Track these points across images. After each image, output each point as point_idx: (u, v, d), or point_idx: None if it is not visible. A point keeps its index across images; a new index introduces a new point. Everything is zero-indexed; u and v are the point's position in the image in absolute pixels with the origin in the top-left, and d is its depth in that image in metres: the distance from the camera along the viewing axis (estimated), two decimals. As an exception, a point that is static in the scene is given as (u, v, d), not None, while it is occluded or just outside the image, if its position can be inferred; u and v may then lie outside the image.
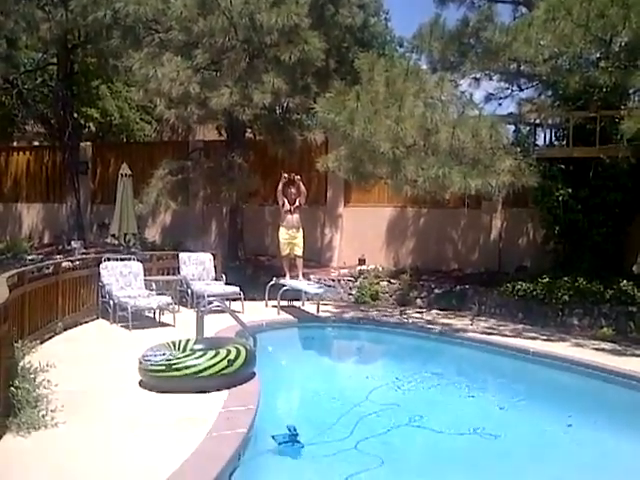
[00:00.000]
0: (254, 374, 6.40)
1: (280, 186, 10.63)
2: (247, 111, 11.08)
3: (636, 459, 5.63)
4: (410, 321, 10.48)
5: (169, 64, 10.94)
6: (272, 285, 10.81)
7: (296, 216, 10.79)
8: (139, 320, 9.08)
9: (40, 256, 14.21)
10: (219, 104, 10.76)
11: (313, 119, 13.63)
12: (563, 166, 11.33)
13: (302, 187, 10.70)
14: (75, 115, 16.29)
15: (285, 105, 12.00)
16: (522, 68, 11.75)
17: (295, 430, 5.24)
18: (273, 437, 5.27)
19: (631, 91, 10.65)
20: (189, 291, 10.60)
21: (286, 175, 10.74)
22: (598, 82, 10.05)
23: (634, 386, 7.12)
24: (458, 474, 5.12)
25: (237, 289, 10.30)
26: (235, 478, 4.40)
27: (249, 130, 13.98)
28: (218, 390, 5.93)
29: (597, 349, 8.69)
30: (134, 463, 4.37)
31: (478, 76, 12.16)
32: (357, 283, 12.43)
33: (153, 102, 12.36)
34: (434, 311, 11.41)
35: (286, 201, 10.70)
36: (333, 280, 12.71)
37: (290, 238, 10.79)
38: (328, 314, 10.71)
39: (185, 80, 10.80)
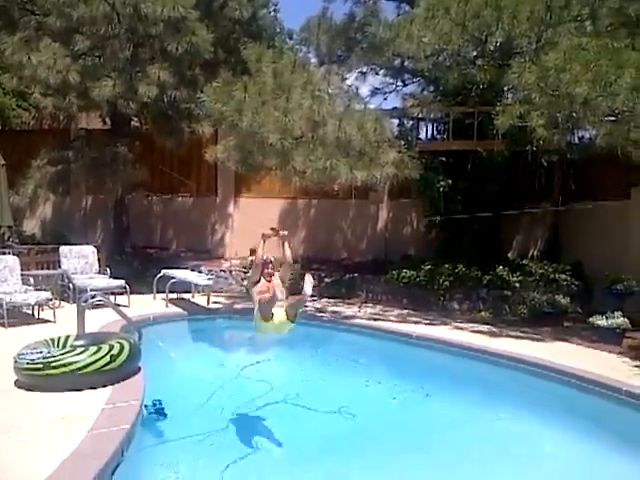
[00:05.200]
0: (139, 369, 6.26)
1: (260, 250, 6.04)
2: (132, 104, 10.75)
3: (493, 426, 6.14)
4: (301, 310, 10.60)
5: (46, 50, 10.37)
6: (160, 278, 10.59)
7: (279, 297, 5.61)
8: (16, 317, 8.60)
9: None
10: (101, 95, 10.35)
11: (202, 110, 13.46)
12: (444, 159, 11.89)
13: (288, 250, 6.14)
14: (-58, 100, 15.06)
15: (172, 96, 11.75)
16: (406, 64, 12.16)
17: (161, 404, 5.71)
18: (146, 406, 5.55)
19: (505, 88, 11.30)
20: (71, 286, 10.16)
21: (269, 232, 6.22)
22: (475, 79, 10.62)
23: (502, 363, 7.69)
24: (309, 448, 5.45)
25: (122, 282, 9.98)
26: (118, 475, 4.31)
27: (135, 119, 13.55)
28: (102, 386, 5.76)
29: (475, 331, 9.23)
30: (6, 469, 4.15)
31: (364, 70, 12.45)
32: (249, 274, 12.37)
33: (29, 89, 11.69)
34: (324, 299, 11.63)
35: (262, 280, 6.02)
36: (224, 271, 12.58)
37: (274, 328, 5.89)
38: (219, 305, 10.64)
39: (63, 68, 10.29)
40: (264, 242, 6.06)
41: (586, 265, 10.91)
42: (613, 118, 7.64)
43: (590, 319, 8.92)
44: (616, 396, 6.44)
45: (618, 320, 8.66)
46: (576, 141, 10.82)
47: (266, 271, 5.97)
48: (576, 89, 7.11)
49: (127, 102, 10.60)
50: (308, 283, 5.44)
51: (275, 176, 10.94)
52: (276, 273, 6.02)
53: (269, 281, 5.91)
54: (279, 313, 5.60)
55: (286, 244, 6.10)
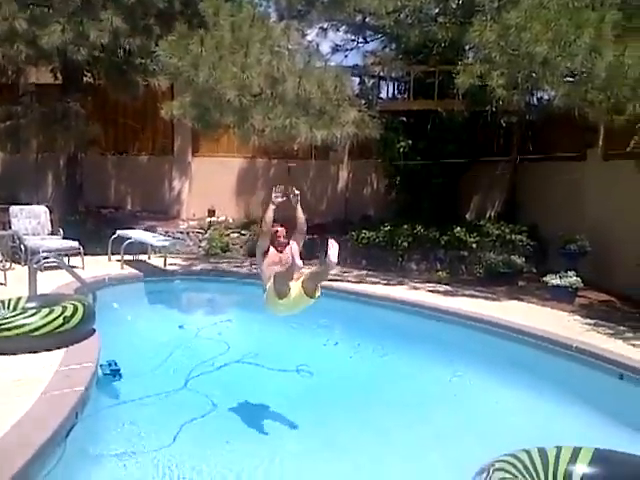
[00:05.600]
0: (94, 331, 6.15)
1: (270, 214, 5.04)
2: (82, 51, 10.30)
3: (450, 384, 6.26)
4: (259, 271, 10.56)
5: (-10, -5, 9.85)
6: (115, 238, 10.36)
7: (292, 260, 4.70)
8: (-36, 279, 8.33)
9: None
10: (50, 42, 9.89)
11: (158, 64, 13.05)
12: (404, 119, 11.82)
13: (301, 213, 5.21)
14: None
15: (127, 48, 11.30)
16: (367, 20, 11.95)
17: (116, 364, 5.67)
18: (101, 366, 5.53)
19: (466, 47, 11.22)
20: (22, 247, 9.84)
21: (278, 193, 5.12)
22: (437, 37, 10.50)
23: (458, 322, 7.88)
24: (266, 405, 5.48)
25: (76, 244, 9.73)
26: (73, 437, 4.24)
27: (88, 74, 13.04)
28: (56, 349, 5.64)
29: (432, 291, 9.33)
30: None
31: (325, 26, 12.20)
32: (207, 235, 12.28)
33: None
34: (284, 260, 11.56)
35: (272, 250, 5.13)
36: (182, 232, 12.44)
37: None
38: (176, 267, 10.49)
39: (10, 15, 9.79)
40: (274, 205, 5.00)
41: (542, 226, 11.10)
42: (571, 79, 7.67)
43: (544, 278, 9.10)
44: (567, 352, 6.62)
45: (571, 279, 8.86)
46: (535, 102, 10.89)
47: (278, 241, 5.03)
48: (536, 48, 7.07)
49: (78, 48, 10.14)
50: (332, 249, 4.44)
51: (233, 134, 10.75)
52: (291, 241, 5.03)
53: (281, 252, 4.97)
54: (295, 287, 4.69)
55: (299, 207, 5.11)
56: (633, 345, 6.71)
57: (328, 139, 8.94)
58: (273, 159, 13.64)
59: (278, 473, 4.35)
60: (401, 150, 11.59)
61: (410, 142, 11.56)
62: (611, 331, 7.28)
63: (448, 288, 9.58)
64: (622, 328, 7.42)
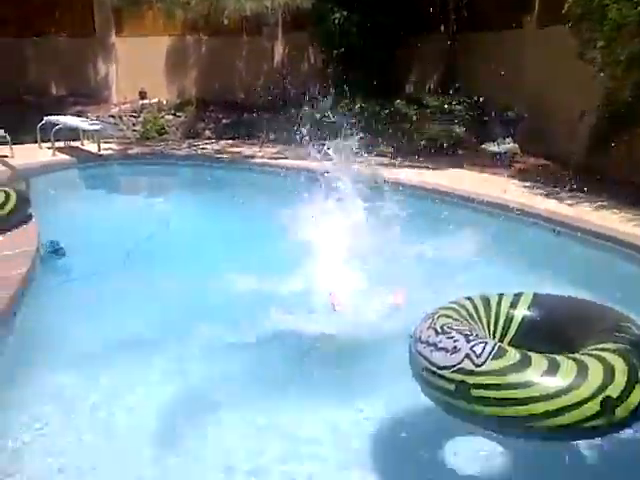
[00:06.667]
0: (30, 217, 5.97)
1: None
2: None
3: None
4: (199, 152, 10.34)
5: None
6: (43, 125, 9.81)
7: None
8: None
9: None
10: None
11: None
12: (336, -13, 11.24)
13: None
14: None
15: None
16: None
17: (59, 244, 5.53)
18: (43, 245, 5.47)
19: None
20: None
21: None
22: None
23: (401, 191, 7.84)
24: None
25: (1, 132, 9.18)
26: (20, 319, 4.20)
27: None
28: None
29: (376, 164, 9.31)
30: None
31: None
32: (140, 118, 11.80)
33: None
34: (223, 141, 11.32)
35: None
36: (113, 117, 11.92)
37: None
38: (111, 152, 10.11)
39: None
40: None
41: (481, 95, 11.03)
42: None
43: (482, 146, 9.20)
44: (507, 214, 6.82)
45: (508, 146, 9.00)
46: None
47: None
48: None
49: None
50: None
51: (157, 10, 10.10)
52: None
53: None
54: None
55: None
56: (568, 204, 6.98)
57: (258, 10, 8.52)
58: (204, 36, 12.92)
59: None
60: (336, 22, 11.11)
61: (345, 13, 11.08)
62: (546, 192, 7.52)
63: (392, 160, 9.59)
64: (556, 189, 7.66)
